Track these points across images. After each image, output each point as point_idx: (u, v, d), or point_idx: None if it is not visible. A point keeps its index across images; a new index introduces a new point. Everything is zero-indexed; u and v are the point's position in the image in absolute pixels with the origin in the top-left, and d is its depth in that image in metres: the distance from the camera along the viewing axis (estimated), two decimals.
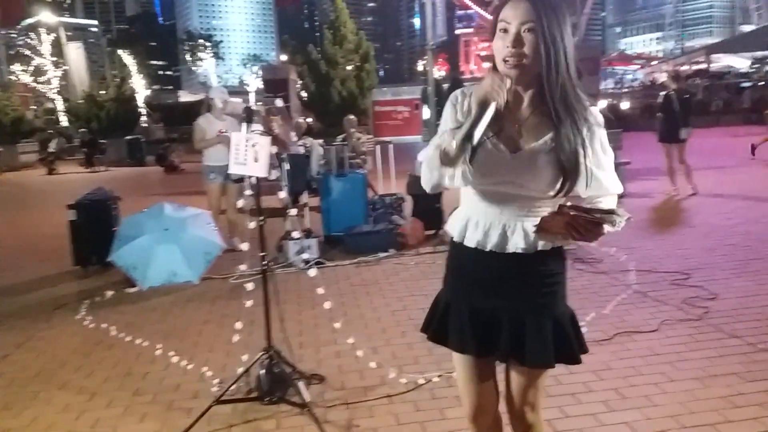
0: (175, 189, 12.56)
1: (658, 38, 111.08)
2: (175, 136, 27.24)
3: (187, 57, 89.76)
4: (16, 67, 38.44)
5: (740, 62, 30.69)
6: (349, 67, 31.14)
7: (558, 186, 1.56)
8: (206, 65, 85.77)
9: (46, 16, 40.92)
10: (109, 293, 5.10)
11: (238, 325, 3.30)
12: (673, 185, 8.47)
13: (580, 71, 1.59)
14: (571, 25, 1.58)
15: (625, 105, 28.95)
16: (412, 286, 4.98)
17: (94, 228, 5.88)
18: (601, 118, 1.61)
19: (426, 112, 21.18)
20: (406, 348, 3.66)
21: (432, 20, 21.44)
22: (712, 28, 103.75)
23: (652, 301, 4.24)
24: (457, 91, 1.67)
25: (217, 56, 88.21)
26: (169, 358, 3.66)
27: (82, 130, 26.99)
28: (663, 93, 8.63)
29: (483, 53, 50.07)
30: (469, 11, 52.06)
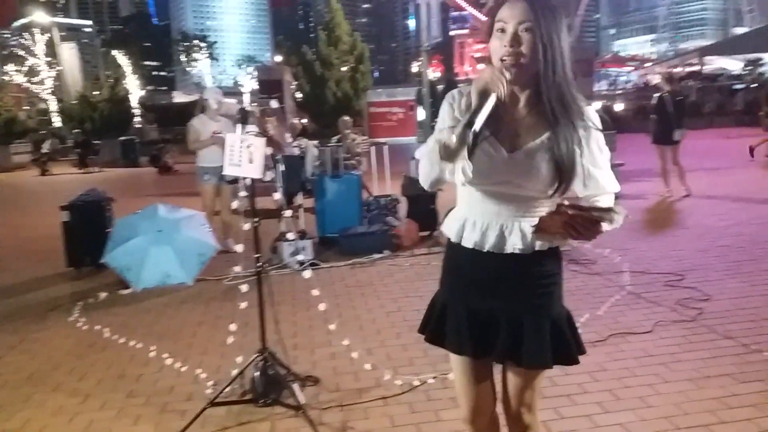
0: (169, 190, 12.51)
1: (651, 40, 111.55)
2: (169, 137, 27.14)
3: (182, 58, 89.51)
4: (9, 68, 38.26)
5: (733, 64, 30.84)
6: (344, 69, 31.12)
7: (555, 185, 1.56)
8: (201, 66, 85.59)
9: (39, 16, 40.77)
10: (103, 295, 5.08)
11: (233, 326, 3.30)
12: (667, 187, 8.51)
13: (575, 72, 1.60)
14: (566, 26, 1.59)
15: (618, 107, 29.04)
16: (406, 287, 4.98)
17: (88, 229, 5.85)
18: (597, 118, 1.61)
19: (421, 114, 21.21)
20: (401, 349, 3.66)
21: (427, 22, 21.51)
22: (705, 30, 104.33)
23: (646, 303, 4.26)
24: (454, 91, 1.67)
25: (211, 57, 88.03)
26: (162, 360, 3.65)
27: (76, 130, 26.87)
28: (657, 95, 8.68)
29: (477, 55, 50.17)
30: (463, 12, 52.12)
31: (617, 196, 1.68)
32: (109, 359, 3.75)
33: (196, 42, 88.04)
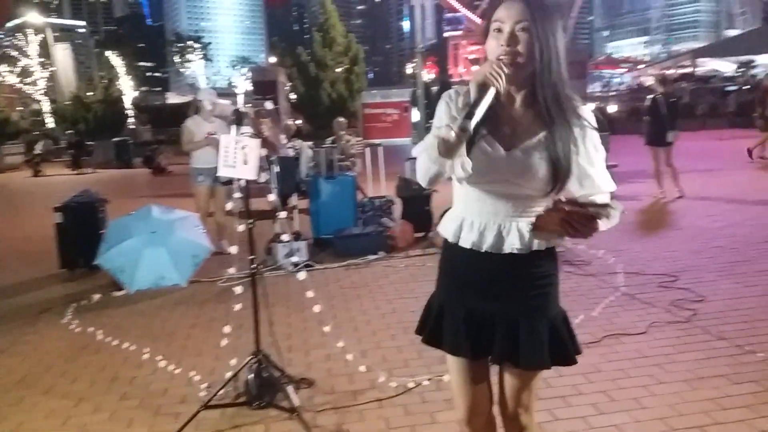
0: (162, 191, 12.47)
1: (644, 42, 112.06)
2: (162, 138, 27.06)
3: (176, 58, 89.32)
4: (3, 69, 38.05)
5: (725, 66, 31.02)
6: (338, 70, 31.12)
7: (551, 184, 1.57)
8: (195, 67, 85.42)
9: (33, 16, 40.56)
10: (96, 296, 5.05)
11: (227, 328, 3.28)
12: (660, 188, 8.54)
13: (568, 74, 1.61)
14: (561, 27, 1.60)
15: (612, 108, 29.13)
16: (401, 288, 4.97)
17: (81, 231, 5.82)
18: (592, 117, 1.62)
19: (415, 115, 21.22)
20: (396, 351, 3.66)
21: (421, 23, 21.48)
22: (698, 32, 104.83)
23: (641, 304, 4.27)
24: (451, 90, 1.67)
25: (205, 58, 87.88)
26: (156, 362, 3.63)
27: (69, 131, 26.76)
28: (650, 96, 8.71)
29: (472, 56, 50.22)
30: (457, 14, 52.15)
31: (612, 196, 1.68)
32: (102, 361, 3.73)
33: (190, 43, 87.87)
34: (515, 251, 1.60)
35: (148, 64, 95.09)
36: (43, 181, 17.90)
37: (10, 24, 48.38)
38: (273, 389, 3.00)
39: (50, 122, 35.67)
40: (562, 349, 1.66)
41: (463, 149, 1.48)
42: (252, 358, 3.01)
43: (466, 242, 1.66)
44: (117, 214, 5.73)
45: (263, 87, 15.25)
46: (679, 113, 8.93)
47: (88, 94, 32.44)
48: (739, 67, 29.83)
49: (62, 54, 46.50)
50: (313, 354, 3.68)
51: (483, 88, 1.48)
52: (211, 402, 2.90)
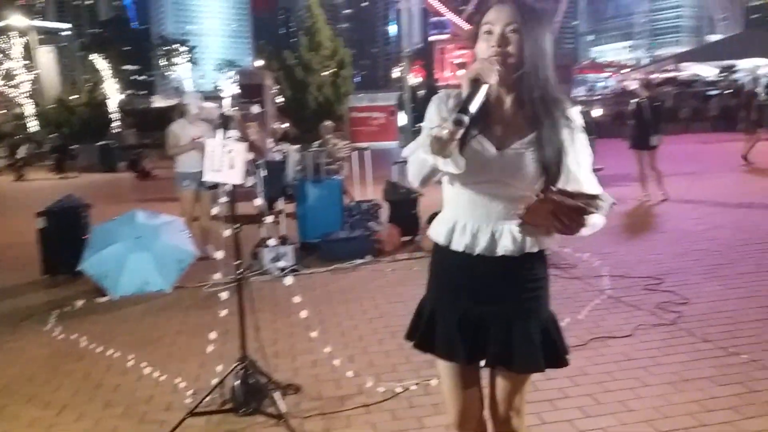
0: (147, 196, 12.37)
1: (628, 47, 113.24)
2: (148, 141, 26.82)
3: (161, 62, 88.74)
4: None
5: (707, 71, 31.38)
6: (325, 73, 31.08)
7: (540, 184, 1.58)
8: (180, 70, 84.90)
9: (16, 19, 40.07)
10: (79, 303, 4.98)
11: (212, 334, 3.26)
12: (645, 191, 8.61)
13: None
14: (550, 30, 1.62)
15: (596, 112, 29.34)
16: (389, 292, 4.96)
17: (64, 236, 5.76)
18: (581, 120, 1.63)
19: (402, 119, 21.26)
20: (384, 356, 3.65)
21: (408, 28, 21.56)
22: (680, 37, 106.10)
23: (626, 306, 4.30)
24: (442, 92, 1.68)
25: (191, 61, 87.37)
26: (141, 369, 3.59)
27: (53, 135, 26.45)
28: (635, 100, 8.79)
29: (458, 61, 50.44)
30: (442, 18, 52.37)
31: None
32: (85, 369, 3.68)
33: (176, 46, 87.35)
34: (508, 254, 1.61)
35: (134, 68, 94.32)
36: (26, 186, 17.67)
37: None
38: (260, 395, 2.98)
39: (34, 126, 35.23)
40: (554, 351, 1.67)
41: (456, 147, 1.48)
42: (238, 365, 2.99)
43: (458, 245, 1.65)
44: (101, 219, 5.68)
45: (250, 90, 15.21)
46: (663, 117, 9.02)
47: (72, 97, 32.11)
48: (721, 72, 30.20)
49: (46, 57, 45.98)
50: (299, 359, 3.66)
51: (476, 83, 1.49)
52: (197, 409, 2.87)
